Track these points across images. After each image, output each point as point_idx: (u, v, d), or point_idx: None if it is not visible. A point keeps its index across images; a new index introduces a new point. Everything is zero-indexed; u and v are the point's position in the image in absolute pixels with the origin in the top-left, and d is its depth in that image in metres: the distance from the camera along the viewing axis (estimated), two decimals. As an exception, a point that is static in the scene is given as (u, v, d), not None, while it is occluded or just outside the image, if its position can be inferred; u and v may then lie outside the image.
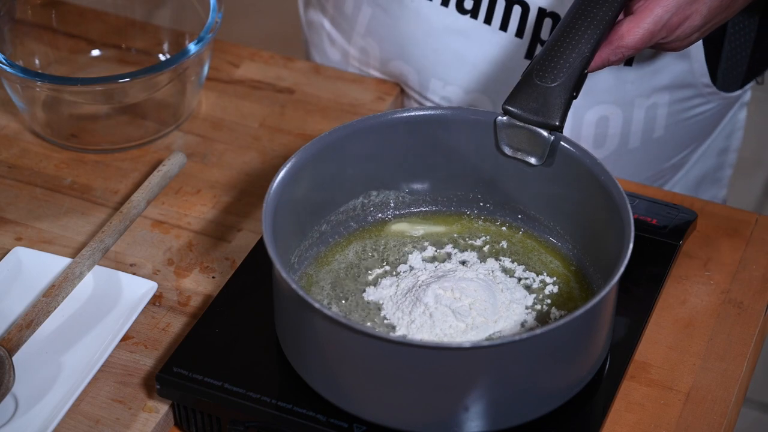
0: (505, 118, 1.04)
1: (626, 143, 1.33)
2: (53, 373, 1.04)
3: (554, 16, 1.24)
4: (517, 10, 1.26)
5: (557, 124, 1.02)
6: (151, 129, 1.28)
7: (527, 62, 1.27)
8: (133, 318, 1.06)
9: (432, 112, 1.08)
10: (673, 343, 1.07)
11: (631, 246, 0.96)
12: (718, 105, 1.36)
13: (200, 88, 1.31)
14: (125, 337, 1.08)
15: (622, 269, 0.95)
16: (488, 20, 1.27)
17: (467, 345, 0.91)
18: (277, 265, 0.95)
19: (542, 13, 1.25)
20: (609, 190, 1.01)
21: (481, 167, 1.09)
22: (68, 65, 1.36)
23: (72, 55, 1.37)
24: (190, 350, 1.03)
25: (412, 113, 1.07)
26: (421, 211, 1.13)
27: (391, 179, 1.11)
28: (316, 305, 0.92)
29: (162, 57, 1.36)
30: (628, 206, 0.99)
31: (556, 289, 1.05)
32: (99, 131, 1.29)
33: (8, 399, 1.01)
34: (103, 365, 1.04)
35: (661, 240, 1.13)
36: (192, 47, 1.23)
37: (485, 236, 1.10)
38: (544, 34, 1.26)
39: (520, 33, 1.27)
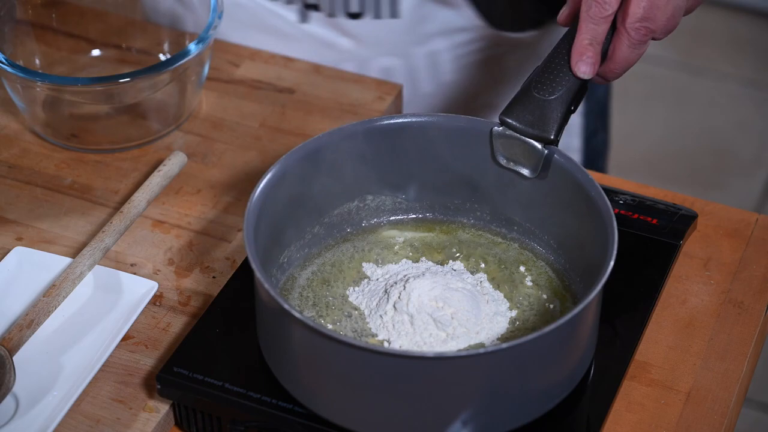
0: (501, 128, 1.04)
1: (418, 89, 1.39)
2: (54, 372, 1.04)
3: None
4: None
5: (552, 137, 1.02)
6: (152, 129, 1.28)
7: (303, 26, 1.37)
8: (134, 318, 1.06)
9: (427, 119, 1.08)
10: (673, 343, 1.07)
11: (612, 262, 0.95)
12: (513, 47, 1.38)
13: (200, 88, 1.31)
14: (126, 337, 1.08)
15: (603, 279, 0.95)
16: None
17: (430, 355, 0.91)
18: (259, 273, 0.95)
19: None
20: (598, 206, 1.00)
21: (477, 176, 1.08)
22: (68, 65, 1.36)
23: (72, 55, 1.37)
24: (190, 350, 1.03)
25: (408, 119, 1.07)
26: (416, 217, 1.12)
27: (388, 184, 1.10)
28: (295, 313, 0.92)
29: (162, 57, 1.36)
30: (614, 224, 0.98)
31: (552, 306, 1.05)
32: (99, 131, 1.29)
33: (9, 399, 1.01)
34: (103, 365, 1.04)
35: (661, 240, 1.14)
36: (192, 47, 1.23)
37: (479, 246, 1.10)
38: None
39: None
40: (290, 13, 1.38)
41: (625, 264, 1.11)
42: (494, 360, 0.92)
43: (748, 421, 2.17)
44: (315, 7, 1.36)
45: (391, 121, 1.08)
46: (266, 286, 0.94)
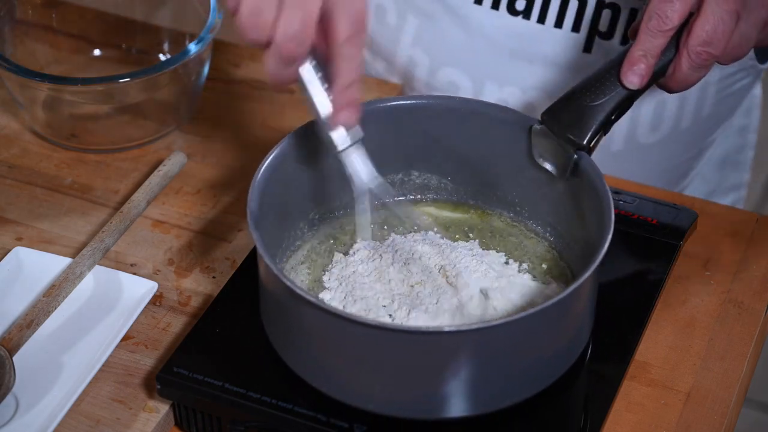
0: (539, 126, 1.04)
1: (679, 125, 1.33)
2: (54, 373, 1.04)
3: (613, 7, 1.24)
4: (573, 5, 1.25)
5: (584, 143, 1.02)
6: (152, 129, 1.28)
7: (586, 56, 1.28)
8: (134, 318, 1.06)
9: (474, 105, 1.09)
10: (673, 343, 1.07)
11: (601, 256, 0.96)
12: (752, 77, 1.36)
13: (200, 88, 1.31)
14: (125, 337, 1.08)
15: (596, 262, 0.95)
16: (542, 19, 1.27)
17: (431, 330, 0.94)
18: (262, 252, 0.96)
19: (600, 4, 1.24)
20: (602, 209, 1.00)
21: (516, 170, 1.09)
22: (68, 65, 1.36)
23: (72, 55, 1.37)
24: (190, 350, 1.03)
25: (451, 102, 1.09)
26: (457, 201, 1.13)
27: (431, 164, 1.11)
28: (297, 290, 0.93)
29: (162, 57, 1.36)
30: (611, 220, 0.98)
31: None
32: (99, 131, 1.29)
33: (9, 399, 1.01)
34: (103, 365, 1.04)
35: (662, 240, 1.13)
36: (192, 47, 1.23)
37: (510, 236, 1.10)
38: (603, 25, 1.25)
39: (576, 28, 1.26)
40: (575, 42, 1.28)
41: (625, 264, 1.11)
42: (498, 332, 0.93)
43: (748, 421, 2.16)
44: (604, 35, 1.27)
45: (435, 102, 1.09)
46: (258, 245, 0.96)
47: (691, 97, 1.31)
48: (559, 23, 1.27)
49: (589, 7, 1.25)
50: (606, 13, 1.25)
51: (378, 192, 1.01)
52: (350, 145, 0.98)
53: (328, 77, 0.96)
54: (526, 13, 1.27)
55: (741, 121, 1.44)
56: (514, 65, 1.30)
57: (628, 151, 1.33)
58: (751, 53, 1.30)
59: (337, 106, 0.96)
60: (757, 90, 1.44)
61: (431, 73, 1.35)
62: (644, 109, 1.30)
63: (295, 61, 0.93)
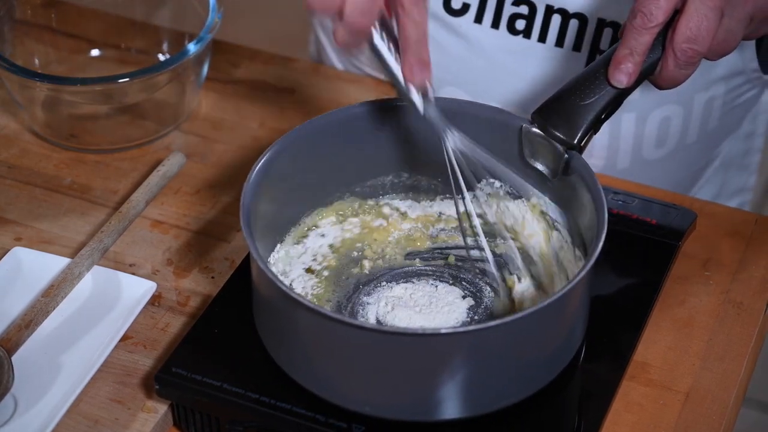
0: (529, 126, 1.04)
1: (685, 139, 1.33)
2: (52, 373, 1.04)
3: (614, 25, 1.23)
4: (573, 24, 1.24)
5: (575, 143, 1.02)
6: (151, 129, 1.29)
7: None
8: (132, 318, 1.06)
9: (465, 105, 1.09)
10: (672, 343, 1.07)
11: (595, 256, 0.96)
12: (759, 88, 1.35)
13: (200, 88, 1.31)
14: (124, 337, 1.08)
15: (590, 262, 0.95)
16: (542, 38, 1.26)
17: (421, 332, 0.94)
18: (256, 255, 0.96)
19: (602, 23, 1.24)
20: (600, 218, 0.99)
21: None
22: (68, 65, 1.36)
23: (72, 55, 1.37)
24: (189, 350, 1.03)
25: (444, 104, 1.08)
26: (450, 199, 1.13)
27: (425, 165, 1.11)
28: (290, 292, 0.93)
29: (162, 57, 1.36)
30: (604, 232, 0.98)
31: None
32: (99, 131, 1.29)
33: (7, 399, 1.01)
34: (102, 365, 1.04)
35: (661, 240, 1.13)
36: (192, 47, 1.23)
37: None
38: (604, 44, 1.24)
39: (577, 47, 1.25)
40: (577, 61, 1.27)
41: (623, 264, 1.11)
42: (499, 331, 0.93)
43: (748, 422, 2.16)
44: None
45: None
46: (251, 249, 0.96)
47: (697, 112, 1.30)
48: (560, 42, 1.26)
49: (590, 26, 1.24)
50: (607, 32, 1.24)
51: (467, 150, 1.03)
52: (430, 108, 1.02)
53: (395, 44, 1.00)
54: (527, 33, 1.26)
55: (748, 127, 1.43)
56: (515, 84, 1.29)
57: (634, 167, 1.33)
58: (756, 65, 1.31)
59: (408, 65, 0.99)
60: (766, 97, 1.43)
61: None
62: (649, 125, 1.29)
63: (364, 32, 0.97)
